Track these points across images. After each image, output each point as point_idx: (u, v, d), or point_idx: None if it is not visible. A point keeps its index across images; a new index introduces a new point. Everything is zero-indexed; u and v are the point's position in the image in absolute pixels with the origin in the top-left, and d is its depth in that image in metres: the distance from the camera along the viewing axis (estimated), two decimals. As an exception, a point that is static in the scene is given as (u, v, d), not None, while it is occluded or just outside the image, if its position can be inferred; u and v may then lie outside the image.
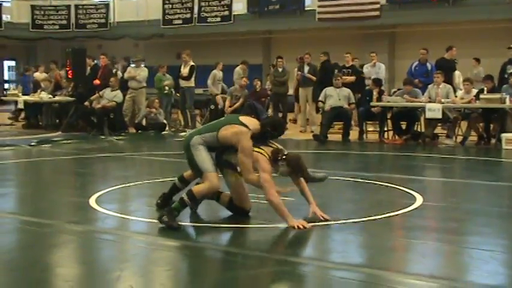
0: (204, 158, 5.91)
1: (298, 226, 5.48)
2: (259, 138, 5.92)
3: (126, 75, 16.24)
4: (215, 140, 5.92)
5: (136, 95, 16.09)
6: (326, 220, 5.80)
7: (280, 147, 5.99)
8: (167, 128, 15.74)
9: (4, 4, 26.31)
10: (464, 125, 12.92)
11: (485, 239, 5.36)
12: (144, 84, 16.26)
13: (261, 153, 5.81)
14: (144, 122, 15.83)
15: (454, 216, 6.28)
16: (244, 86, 15.90)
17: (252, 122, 5.98)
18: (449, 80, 13.76)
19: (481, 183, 8.33)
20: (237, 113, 15.75)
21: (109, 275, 4.43)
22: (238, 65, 17.59)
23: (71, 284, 4.26)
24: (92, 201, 6.87)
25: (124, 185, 8.02)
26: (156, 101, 16.02)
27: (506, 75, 13.17)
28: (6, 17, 26.11)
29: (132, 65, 17.30)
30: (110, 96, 15.32)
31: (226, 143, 5.91)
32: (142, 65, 16.69)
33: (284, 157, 5.81)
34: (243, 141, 5.75)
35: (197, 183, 6.12)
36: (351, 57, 15.96)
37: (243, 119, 6.01)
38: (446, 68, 13.97)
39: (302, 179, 5.96)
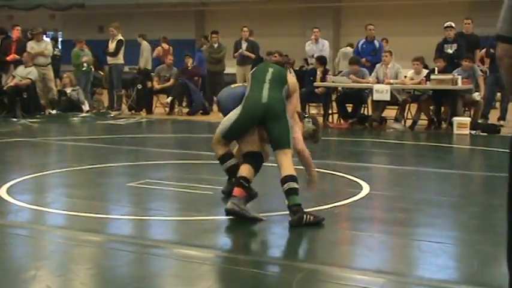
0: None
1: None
2: None
3: (31, 51, 15.71)
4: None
5: (46, 72, 15.75)
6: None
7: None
8: (84, 109, 15.55)
9: None
10: (414, 108, 13.18)
11: (435, 231, 5.50)
12: (50, 60, 16.00)
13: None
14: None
15: (402, 207, 6.41)
16: (170, 64, 15.85)
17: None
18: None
19: (431, 171, 8.53)
20: (168, 93, 15.69)
21: (23, 275, 4.35)
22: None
23: (-22, 285, 4.17)
24: (3, 191, 6.74)
25: (39, 174, 7.88)
26: (65, 75, 15.86)
27: (444, 54, 13.36)
28: None
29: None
30: (24, 73, 14.98)
31: None
32: (45, 38, 16.42)
33: (306, 116, 6.38)
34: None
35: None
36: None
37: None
38: (467, 44, 13.40)
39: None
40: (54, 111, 15.31)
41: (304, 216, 5.50)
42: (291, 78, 5.99)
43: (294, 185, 5.58)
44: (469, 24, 13.78)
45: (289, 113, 5.85)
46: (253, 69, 6.19)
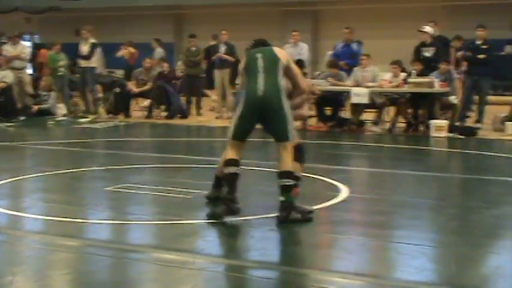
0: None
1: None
2: None
3: (7, 54, 15.62)
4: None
5: (23, 76, 15.66)
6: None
7: None
8: (60, 113, 15.47)
9: None
10: (392, 111, 13.25)
11: (413, 233, 5.54)
12: (27, 64, 15.95)
13: None
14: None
15: (380, 209, 6.45)
16: (148, 68, 15.82)
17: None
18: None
19: (409, 174, 8.58)
20: (146, 96, 15.63)
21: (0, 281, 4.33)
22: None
23: (-46, 292, 4.14)
24: (-21, 196, 6.68)
25: (16, 178, 7.82)
26: (44, 79, 15.81)
27: (422, 57, 13.44)
28: None
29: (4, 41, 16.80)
30: (-1, 77, 14.92)
31: None
32: (22, 42, 16.41)
33: None
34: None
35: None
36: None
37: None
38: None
39: None
40: (22, 118, 15.09)
41: (292, 213, 5.65)
42: (281, 53, 6.10)
43: (288, 182, 5.72)
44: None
45: (299, 82, 6.16)
46: (245, 62, 6.11)
